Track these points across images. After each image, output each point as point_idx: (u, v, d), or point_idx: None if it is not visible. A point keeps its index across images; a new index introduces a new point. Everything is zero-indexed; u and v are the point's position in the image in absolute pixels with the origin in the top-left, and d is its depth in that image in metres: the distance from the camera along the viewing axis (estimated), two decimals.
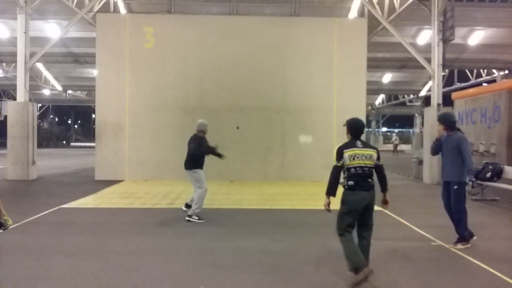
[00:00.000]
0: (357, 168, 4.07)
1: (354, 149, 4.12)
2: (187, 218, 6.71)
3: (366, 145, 4.22)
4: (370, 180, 4.13)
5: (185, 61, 12.69)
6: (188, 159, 6.90)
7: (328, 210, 4.19)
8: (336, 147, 4.23)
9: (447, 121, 5.40)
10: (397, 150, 33.38)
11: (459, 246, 5.36)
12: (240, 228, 6.51)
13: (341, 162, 4.11)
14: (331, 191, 4.15)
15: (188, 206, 7.14)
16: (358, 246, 4.17)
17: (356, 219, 4.14)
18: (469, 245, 5.38)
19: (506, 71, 23.03)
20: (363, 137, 4.36)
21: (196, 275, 4.33)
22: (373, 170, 4.18)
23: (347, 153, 4.10)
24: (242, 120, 12.59)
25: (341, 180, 4.19)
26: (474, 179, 5.21)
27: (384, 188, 4.30)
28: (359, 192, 4.06)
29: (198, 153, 6.88)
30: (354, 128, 4.27)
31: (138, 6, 15.85)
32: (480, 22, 17.10)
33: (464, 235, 5.42)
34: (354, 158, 4.08)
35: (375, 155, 4.16)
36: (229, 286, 4.06)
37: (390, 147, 36.59)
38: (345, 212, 4.10)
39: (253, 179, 12.24)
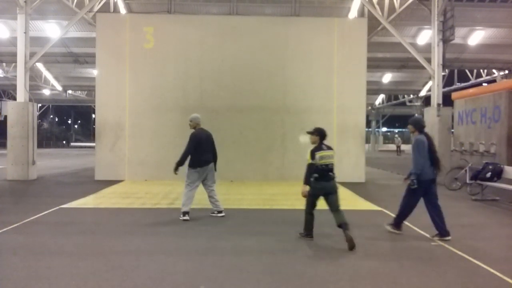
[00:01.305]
0: (323, 166, 5.44)
1: (322, 151, 5.50)
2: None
3: (328, 147, 5.62)
4: (331, 173, 5.49)
5: (185, 61, 12.69)
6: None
7: (305, 196, 5.60)
8: (309, 150, 5.55)
9: (418, 125, 6.03)
10: (400, 150, 33.56)
11: (388, 228, 6.14)
12: (240, 228, 6.51)
13: (314, 161, 5.46)
14: (307, 182, 5.52)
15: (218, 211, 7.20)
16: (335, 217, 5.51)
17: (317, 201, 5.64)
18: (398, 232, 6.07)
19: (506, 71, 23.02)
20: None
21: (196, 275, 4.33)
22: (333, 165, 5.52)
23: (318, 155, 5.48)
24: (242, 120, 12.59)
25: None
26: (414, 183, 5.74)
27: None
28: (321, 182, 5.47)
29: None
30: (323, 135, 5.66)
31: (138, 6, 15.84)
32: (480, 22, 17.09)
33: (397, 222, 6.11)
34: (322, 158, 5.46)
35: (333, 154, 5.63)
36: (229, 286, 4.06)
37: (390, 147, 36.69)
38: (311, 195, 5.59)
39: (253, 179, 12.24)
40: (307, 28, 12.81)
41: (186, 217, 6.82)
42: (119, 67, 12.59)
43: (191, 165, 6.89)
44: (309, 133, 5.73)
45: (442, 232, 5.78)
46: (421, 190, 5.81)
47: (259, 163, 12.50)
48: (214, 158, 7.18)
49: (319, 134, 5.65)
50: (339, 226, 5.41)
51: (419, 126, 5.98)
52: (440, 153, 12.24)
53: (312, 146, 5.61)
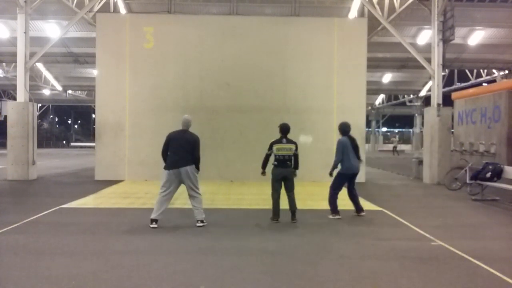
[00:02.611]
0: (280, 156, 6.71)
1: (280, 144, 6.73)
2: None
3: (289, 141, 6.78)
4: (288, 162, 6.74)
5: (185, 61, 12.68)
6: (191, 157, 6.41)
7: (263, 174, 7.04)
8: (270, 141, 6.77)
9: (341, 129, 7.36)
10: (397, 150, 33.32)
11: (330, 216, 7.15)
12: (240, 228, 6.52)
13: (270, 151, 6.77)
14: (263, 167, 6.96)
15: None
16: (288, 200, 6.80)
17: (280, 184, 6.83)
18: (338, 217, 7.10)
19: (506, 71, 23.04)
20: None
21: (196, 275, 4.33)
22: (292, 156, 6.73)
23: (275, 147, 6.72)
24: (242, 120, 12.58)
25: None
26: (331, 174, 7.17)
27: (295, 167, 6.89)
28: (279, 169, 6.75)
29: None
30: (283, 131, 6.84)
31: (138, 6, 15.85)
32: (480, 22, 17.10)
33: (333, 209, 7.18)
34: (279, 150, 6.70)
35: (293, 148, 6.77)
36: (229, 286, 4.06)
37: (390, 147, 36.55)
38: (273, 179, 6.85)
39: (253, 179, 12.19)
40: (307, 28, 12.81)
41: (153, 225, 6.23)
42: (119, 67, 12.59)
43: (164, 166, 6.44)
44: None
45: (359, 209, 7.39)
46: (346, 181, 7.22)
47: (259, 163, 12.36)
48: (198, 163, 6.42)
49: (280, 129, 6.86)
50: (291, 212, 6.78)
51: (342, 131, 7.31)
52: (440, 153, 12.36)
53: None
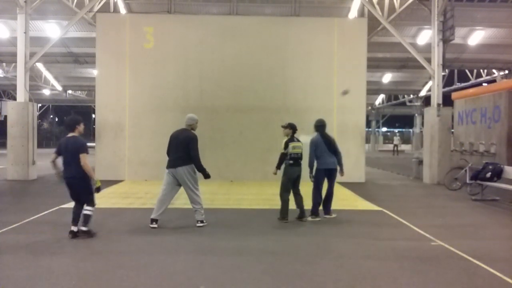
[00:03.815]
0: (295, 154, 6.76)
1: (294, 143, 6.81)
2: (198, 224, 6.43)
3: (297, 140, 6.96)
4: (300, 161, 6.84)
5: (185, 61, 12.69)
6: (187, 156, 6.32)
7: (275, 174, 6.96)
8: (284, 141, 6.82)
9: (314, 126, 7.18)
10: (398, 150, 33.17)
11: (310, 218, 6.95)
12: (240, 228, 6.51)
13: (286, 150, 6.76)
14: (279, 167, 6.96)
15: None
16: (296, 200, 6.92)
17: (292, 184, 6.85)
18: (318, 219, 6.97)
19: (506, 71, 23.02)
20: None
21: (196, 275, 4.33)
22: (302, 154, 6.86)
23: (291, 145, 6.78)
24: (242, 120, 12.58)
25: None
26: (311, 176, 6.96)
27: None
28: (294, 167, 6.80)
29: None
30: (295, 129, 6.92)
31: (138, 6, 15.84)
32: (480, 22, 17.08)
33: (313, 210, 7.03)
34: (294, 148, 6.77)
35: (302, 146, 6.91)
36: (229, 286, 4.06)
37: (390, 147, 36.46)
38: (287, 179, 6.81)
39: (253, 179, 12.23)
40: (307, 28, 12.81)
41: (153, 225, 6.23)
42: (119, 67, 12.59)
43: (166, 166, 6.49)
44: (283, 127, 6.97)
45: (327, 211, 7.17)
46: (323, 176, 7.03)
47: (259, 163, 12.48)
48: (195, 163, 6.28)
49: (292, 128, 6.91)
50: (300, 210, 6.87)
51: (315, 127, 7.16)
52: (440, 153, 12.37)
53: (285, 138, 6.90)
